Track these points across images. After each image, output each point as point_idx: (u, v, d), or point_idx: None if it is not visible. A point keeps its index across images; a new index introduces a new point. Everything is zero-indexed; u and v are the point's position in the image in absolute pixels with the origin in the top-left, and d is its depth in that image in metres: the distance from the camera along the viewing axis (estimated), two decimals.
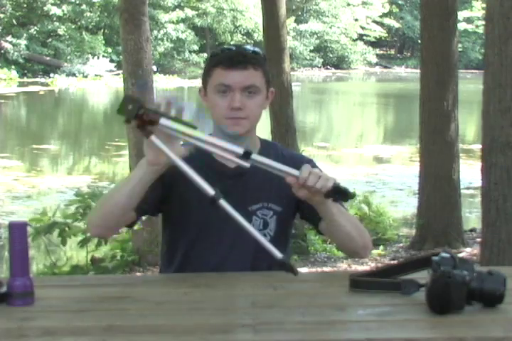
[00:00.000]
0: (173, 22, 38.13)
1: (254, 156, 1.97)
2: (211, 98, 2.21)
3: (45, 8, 35.33)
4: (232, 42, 41.87)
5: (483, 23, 4.79)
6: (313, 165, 2.27)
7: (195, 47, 39.83)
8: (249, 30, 41.52)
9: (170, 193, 2.22)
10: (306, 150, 10.05)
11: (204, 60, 40.63)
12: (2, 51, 32.94)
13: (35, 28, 35.32)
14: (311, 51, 45.30)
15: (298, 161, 2.25)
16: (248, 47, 2.26)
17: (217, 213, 2.15)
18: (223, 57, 2.21)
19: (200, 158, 2.13)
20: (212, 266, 2.19)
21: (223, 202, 1.92)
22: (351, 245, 2.21)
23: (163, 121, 1.91)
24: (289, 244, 2.34)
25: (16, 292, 1.83)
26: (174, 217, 2.26)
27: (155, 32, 36.02)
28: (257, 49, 2.26)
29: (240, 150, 1.95)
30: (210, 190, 1.92)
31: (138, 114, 1.91)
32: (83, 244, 5.60)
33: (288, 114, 7.66)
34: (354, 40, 48.15)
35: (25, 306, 1.83)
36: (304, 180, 2.00)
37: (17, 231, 1.85)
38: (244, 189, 2.22)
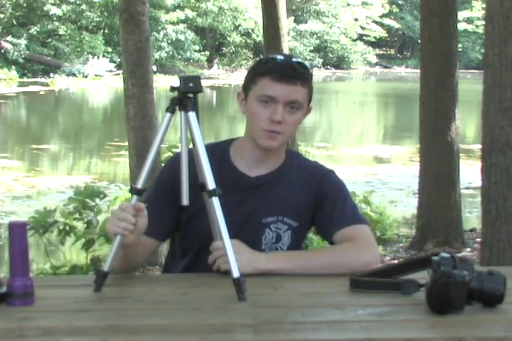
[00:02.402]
0: (173, 22, 38.13)
1: (204, 196, 1.98)
2: (252, 106, 2.19)
3: (45, 8, 35.34)
4: (231, 42, 41.91)
5: (483, 23, 4.78)
6: (332, 177, 2.29)
7: (196, 48, 39.82)
8: (249, 30, 41.53)
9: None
10: (306, 151, 10.03)
11: (205, 59, 40.71)
12: (2, 51, 32.94)
13: (35, 28, 35.32)
14: (311, 51, 45.30)
15: (317, 173, 2.27)
16: (295, 60, 2.20)
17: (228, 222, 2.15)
18: (273, 68, 2.16)
19: (220, 166, 2.12)
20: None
21: (216, 200, 1.93)
22: (344, 273, 2.05)
23: None
24: None
25: (16, 292, 1.83)
26: (184, 224, 2.25)
27: (155, 32, 36.03)
28: (305, 63, 2.21)
29: (211, 186, 1.94)
30: (212, 184, 1.94)
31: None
32: (87, 247, 5.59)
33: None
34: (354, 40, 48.15)
35: (25, 306, 1.82)
36: (212, 248, 2.06)
37: (17, 231, 1.85)
38: (260, 200, 2.20)
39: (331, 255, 2.14)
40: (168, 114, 2.00)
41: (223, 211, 1.94)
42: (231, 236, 2.08)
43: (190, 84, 1.98)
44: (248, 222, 2.19)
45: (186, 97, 1.98)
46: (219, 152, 2.22)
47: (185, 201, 2.00)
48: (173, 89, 1.99)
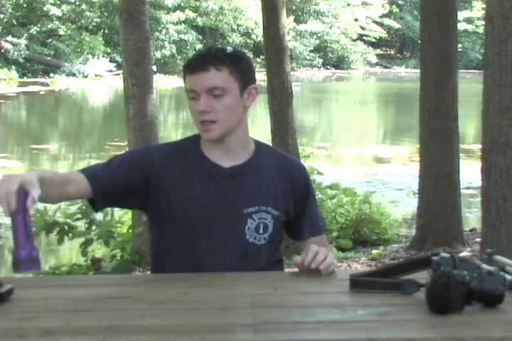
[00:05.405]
0: (173, 23, 38.12)
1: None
2: (188, 105, 2.18)
3: (45, 8, 35.32)
4: (231, 42, 41.93)
5: (483, 23, 4.78)
6: (307, 175, 2.31)
7: (196, 47, 39.81)
8: (250, 30, 41.53)
9: (156, 187, 2.15)
10: (306, 151, 10.02)
11: None
12: (2, 51, 32.93)
13: (35, 28, 35.31)
14: (311, 51, 45.30)
15: (294, 166, 2.28)
16: (216, 46, 2.19)
17: (210, 212, 2.15)
18: (187, 62, 2.17)
19: (194, 158, 2.18)
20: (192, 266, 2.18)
21: None
22: None
23: None
24: (281, 244, 2.32)
25: (22, 258, 1.77)
26: (162, 216, 2.21)
27: (156, 32, 36.01)
28: (227, 47, 2.18)
29: None
30: None
31: None
32: (85, 246, 5.60)
33: (288, 114, 7.66)
34: (354, 40, 48.14)
35: (32, 271, 1.80)
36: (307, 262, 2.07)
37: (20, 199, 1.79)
38: (239, 190, 2.17)
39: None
40: None
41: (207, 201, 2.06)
42: (212, 226, 2.14)
43: None
44: (229, 213, 2.16)
45: None
46: (189, 146, 2.21)
47: None
48: None
